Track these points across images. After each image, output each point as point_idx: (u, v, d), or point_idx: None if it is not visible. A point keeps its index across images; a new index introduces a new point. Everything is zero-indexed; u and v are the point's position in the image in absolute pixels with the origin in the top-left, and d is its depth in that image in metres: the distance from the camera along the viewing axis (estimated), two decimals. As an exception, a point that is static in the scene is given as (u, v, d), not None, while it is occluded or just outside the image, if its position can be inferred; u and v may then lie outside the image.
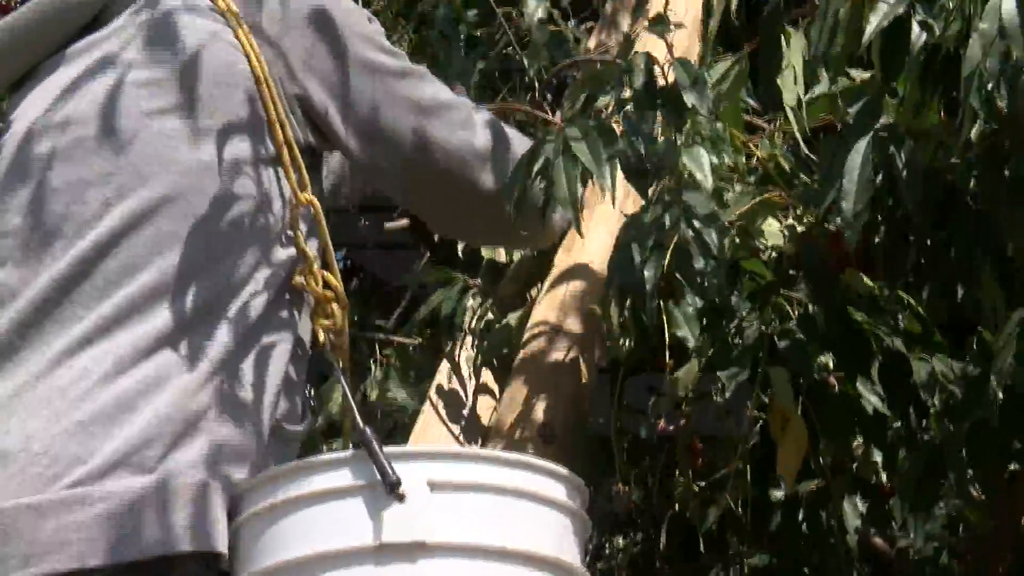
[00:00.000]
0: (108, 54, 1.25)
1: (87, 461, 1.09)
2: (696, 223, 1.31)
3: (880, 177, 1.36)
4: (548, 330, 1.62)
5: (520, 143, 1.47)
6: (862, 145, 1.35)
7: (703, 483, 1.71)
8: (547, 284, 1.69)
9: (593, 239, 1.57)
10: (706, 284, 1.34)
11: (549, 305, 1.66)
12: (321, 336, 1.25)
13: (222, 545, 1.10)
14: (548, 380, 1.56)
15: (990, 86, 1.22)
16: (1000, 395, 1.36)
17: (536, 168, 1.27)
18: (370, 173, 1.46)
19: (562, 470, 1.14)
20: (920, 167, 1.35)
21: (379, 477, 1.02)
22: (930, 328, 1.55)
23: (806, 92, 1.56)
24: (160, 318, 1.15)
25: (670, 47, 1.36)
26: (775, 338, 1.54)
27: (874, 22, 1.27)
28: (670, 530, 2.02)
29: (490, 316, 1.80)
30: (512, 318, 1.74)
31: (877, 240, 1.50)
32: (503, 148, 1.44)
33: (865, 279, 1.52)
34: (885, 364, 1.54)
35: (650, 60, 1.35)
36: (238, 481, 1.14)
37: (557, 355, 1.58)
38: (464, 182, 1.41)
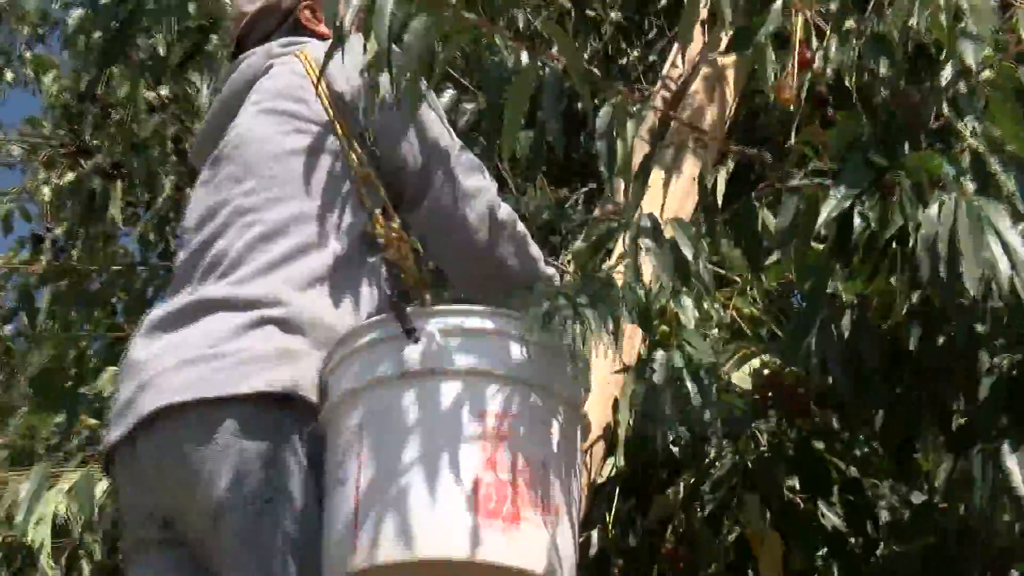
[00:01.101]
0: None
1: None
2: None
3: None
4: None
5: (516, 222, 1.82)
6: (818, 314, 1.60)
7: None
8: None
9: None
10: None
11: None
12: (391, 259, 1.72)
13: (315, 396, 1.54)
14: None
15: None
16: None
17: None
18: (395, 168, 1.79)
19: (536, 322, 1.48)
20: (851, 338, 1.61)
21: (402, 328, 1.46)
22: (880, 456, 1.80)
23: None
24: (281, 246, 1.63)
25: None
26: (748, 464, 1.78)
27: (824, 212, 1.47)
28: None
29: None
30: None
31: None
32: (500, 219, 1.77)
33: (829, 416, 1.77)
34: (843, 487, 1.78)
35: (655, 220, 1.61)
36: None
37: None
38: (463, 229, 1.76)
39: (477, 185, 1.73)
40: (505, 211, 1.79)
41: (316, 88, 1.69)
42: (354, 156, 1.71)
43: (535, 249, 1.82)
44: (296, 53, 1.77)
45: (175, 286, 1.76)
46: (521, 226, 1.82)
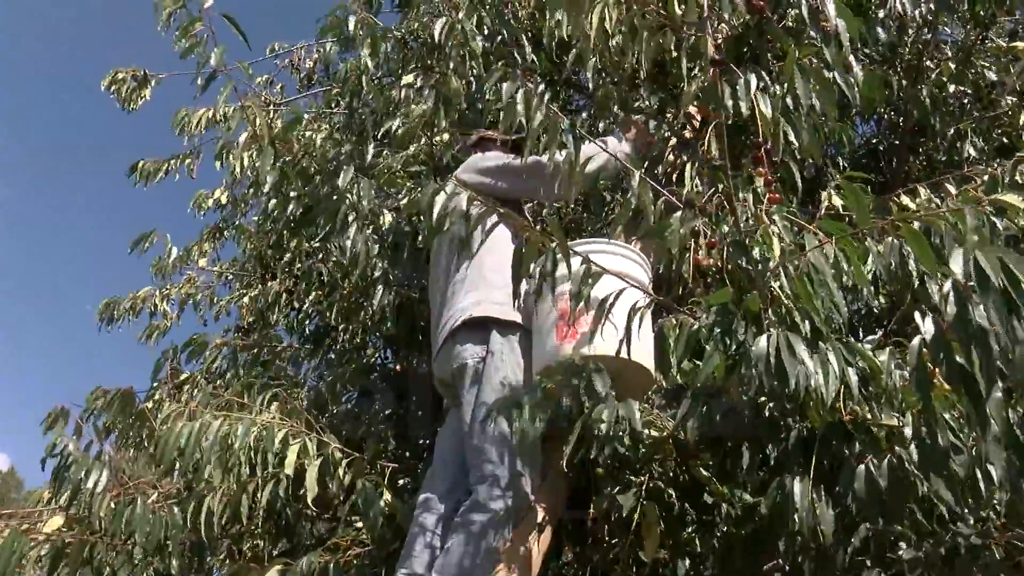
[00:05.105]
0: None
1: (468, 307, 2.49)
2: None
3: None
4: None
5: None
6: (700, 398, 1.99)
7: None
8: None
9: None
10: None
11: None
12: None
13: (510, 318, 2.43)
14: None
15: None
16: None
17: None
18: None
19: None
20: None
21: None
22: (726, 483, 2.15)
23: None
24: (483, 288, 2.51)
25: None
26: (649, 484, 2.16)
27: (704, 339, 1.83)
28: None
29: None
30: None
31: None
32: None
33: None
34: (709, 502, 2.16)
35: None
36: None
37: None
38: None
39: None
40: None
41: None
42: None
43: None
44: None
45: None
46: None
